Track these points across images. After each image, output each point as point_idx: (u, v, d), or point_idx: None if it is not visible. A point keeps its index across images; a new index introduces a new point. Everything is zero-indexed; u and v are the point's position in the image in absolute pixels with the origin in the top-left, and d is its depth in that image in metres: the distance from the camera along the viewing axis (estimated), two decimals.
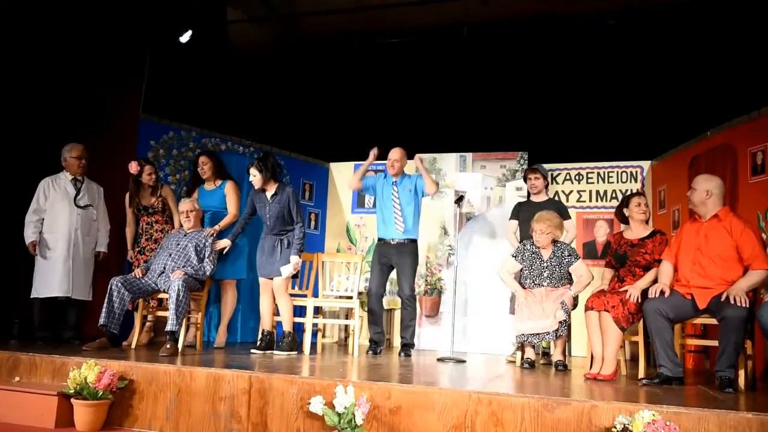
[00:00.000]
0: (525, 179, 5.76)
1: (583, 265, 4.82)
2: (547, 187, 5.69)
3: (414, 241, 5.44)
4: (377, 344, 5.36)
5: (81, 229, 5.20)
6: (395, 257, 5.37)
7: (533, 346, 4.84)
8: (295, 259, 4.94)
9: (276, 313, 5.13)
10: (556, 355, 4.70)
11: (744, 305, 3.60)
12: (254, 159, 5.17)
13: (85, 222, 5.24)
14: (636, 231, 4.50)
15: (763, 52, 5.56)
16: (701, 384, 4.02)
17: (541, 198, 5.61)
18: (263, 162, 5.00)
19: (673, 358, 3.83)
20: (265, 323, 5.07)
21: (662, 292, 3.94)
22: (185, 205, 5.10)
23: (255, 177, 5.00)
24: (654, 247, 4.33)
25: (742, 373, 3.79)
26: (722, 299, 3.68)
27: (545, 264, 4.83)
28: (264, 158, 5.05)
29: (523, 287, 4.88)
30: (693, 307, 3.86)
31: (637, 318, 4.15)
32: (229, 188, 5.44)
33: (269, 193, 5.05)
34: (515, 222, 5.64)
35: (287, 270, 4.96)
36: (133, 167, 5.25)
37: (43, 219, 5.13)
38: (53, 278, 5.05)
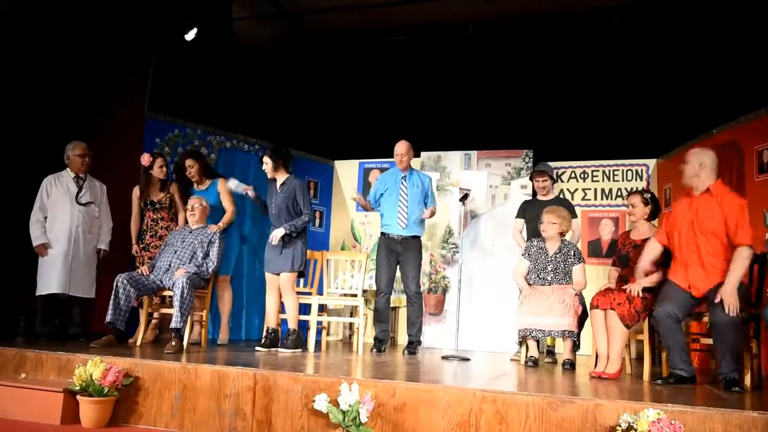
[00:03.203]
0: (531, 180, 5.75)
1: (582, 271, 4.84)
2: (553, 185, 5.70)
3: (417, 238, 5.44)
4: (382, 342, 5.36)
5: (82, 226, 5.21)
6: (401, 253, 5.37)
7: (537, 342, 4.84)
8: (280, 232, 4.92)
9: (281, 310, 5.13)
10: (565, 354, 4.69)
11: (734, 314, 3.54)
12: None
13: (86, 219, 5.26)
14: (641, 231, 4.48)
15: None
16: (707, 383, 4.01)
17: (548, 197, 5.61)
18: (275, 150, 5.09)
19: (686, 358, 3.81)
20: (270, 321, 5.08)
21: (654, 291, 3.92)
22: (193, 200, 5.13)
23: (267, 165, 5.06)
24: None
25: (748, 373, 3.78)
26: (716, 301, 3.61)
27: (550, 258, 4.86)
28: (277, 147, 5.14)
29: (529, 284, 4.90)
30: (692, 297, 3.83)
31: (642, 316, 4.14)
32: (222, 186, 5.44)
33: (278, 183, 5.09)
34: (521, 220, 5.64)
35: (234, 183, 5.15)
36: (145, 159, 5.27)
37: (47, 217, 5.17)
38: (53, 275, 5.06)
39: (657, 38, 6.43)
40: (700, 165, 3.87)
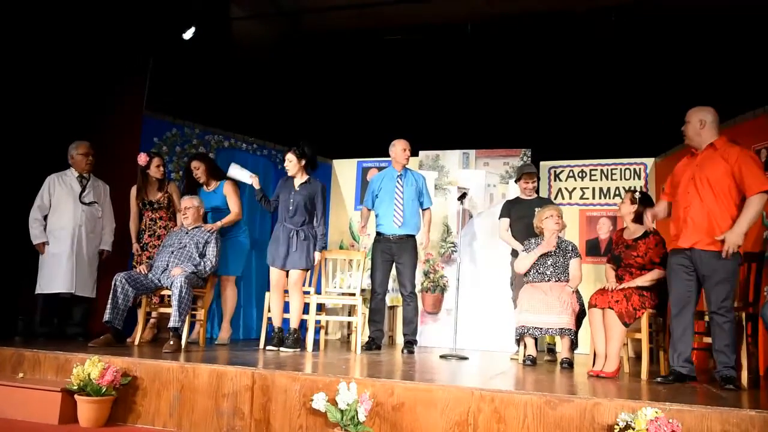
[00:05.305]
0: (517, 181, 5.77)
1: (578, 266, 4.86)
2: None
3: (413, 237, 5.45)
4: (374, 341, 5.38)
5: (85, 225, 5.22)
6: (396, 253, 5.38)
7: (535, 340, 4.84)
8: (318, 256, 5.01)
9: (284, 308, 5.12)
10: (563, 352, 4.70)
11: (728, 257, 3.55)
12: (293, 146, 5.15)
13: (89, 219, 5.26)
14: (632, 230, 4.47)
15: (767, 49, 5.54)
16: (705, 382, 4.01)
17: (531, 196, 5.65)
18: (302, 149, 5.04)
19: (689, 357, 3.81)
20: (276, 319, 5.05)
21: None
22: (184, 201, 5.12)
23: (290, 162, 5.03)
24: (647, 248, 4.30)
25: (745, 371, 3.78)
26: (717, 237, 3.58)
27: (550, 253, 4.88)
28: (303, 146, 5.08)
29: (528, 281, 4.92)
30: (695, 287, 3.80)
31: (639, 314, 4.14)
32: (227, 188, 5.40)
33: (297, 182, 5.07)
34: (507, 220, 5.67)
35: (235, 172, 5.10)
36: (142, 158, 5.26)
37: (47, 216, 5.17)
38: (57, 274, 5.06)
39: (655, 38, 6.43)
40: (700, 123, 3.84)
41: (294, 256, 4.95)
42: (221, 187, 5.44)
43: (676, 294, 3.84)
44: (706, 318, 4.00)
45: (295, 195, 5.02)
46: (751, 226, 3.60)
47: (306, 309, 5.20)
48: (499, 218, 5.75)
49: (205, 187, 5.48)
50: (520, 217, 5.49)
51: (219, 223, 5.21)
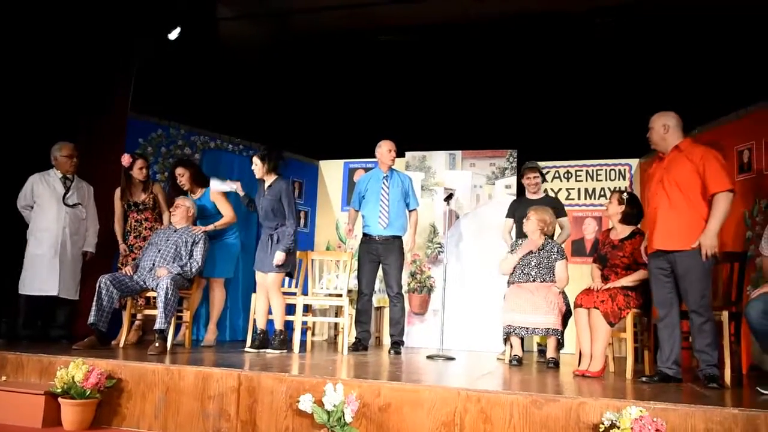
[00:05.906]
0: (521, 177, 5.77)
1: (564, 268, 4.87)
2: (542, 183, 5.75)
3: (399, 238, 5.45)
4: (360, 342, 5.38)
5: (69, 227, 5.17)
6: (382, 254, 5.38)
7: (522, 340, 4.86)
8: (280, 255, 4.83)
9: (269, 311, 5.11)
10: (549, 352, 4.72)
11: (707, 260, 3.59)
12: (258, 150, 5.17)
13: (73, 221, 5.21)
14: (619, 230, 4.50)
15: (749, 51, 5.60)
16: (689, 381, 4.04)
17: (537, 195, 5.64)
18: (266, 153, 5.04)
19: (678, 359, 3.83)
20: (260, 321, 5.05)
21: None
22: (179, 199, 5.12)
23: (256, 166, 5.03)
24: (633, 249, 4.31)
25: (728, 370, 3.82)
26: (693, 246, 3.62)
27: (534, 254, 4.90)
28: (269, 150, 5.07)
29: (513, 281, 4.94)
30: (675, 288, 3.83)
31: (625, 314, 4.16)
32: (214, 194, 5.36)
33: (266, 184, 5.06)
34: (511, 220, 5.66)
35: (216, 183, 5.13)
36: (125, 159, 5.22)
37: (32, 208, 5.12)
38: (40, 276, 5.01)
39: (638, 40, 6.48)
40: (664, 128, 3.90)
41: (267, 259, 4.95)
42: (207, 194, 5.40)
43: (659, 298, 3.89)
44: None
45: (263, 199, 5.02)
46: (721, 225, 3.64)
47: (293, 310, 5.20)
48: (505, 217, 5.76)
49: (190, 194, 5.43)
50: (521, 217, 5.48)
51: (211, 226, 5.19)
